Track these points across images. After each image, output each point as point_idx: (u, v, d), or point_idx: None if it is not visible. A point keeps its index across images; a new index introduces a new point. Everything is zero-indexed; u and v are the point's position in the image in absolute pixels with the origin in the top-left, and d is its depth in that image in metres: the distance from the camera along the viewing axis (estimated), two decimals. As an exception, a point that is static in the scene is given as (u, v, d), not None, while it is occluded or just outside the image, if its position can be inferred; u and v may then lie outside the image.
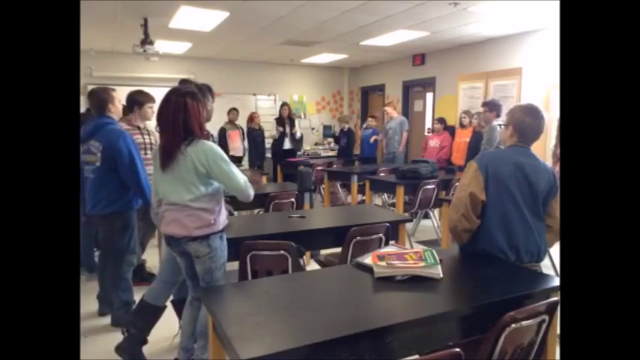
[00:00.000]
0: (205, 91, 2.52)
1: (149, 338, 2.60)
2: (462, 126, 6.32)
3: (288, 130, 7.67)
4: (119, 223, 2.97)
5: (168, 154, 2.09)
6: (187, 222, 2.10)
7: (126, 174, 2.89)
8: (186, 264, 2.25)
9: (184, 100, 2.08)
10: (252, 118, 7.70)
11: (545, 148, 5.73)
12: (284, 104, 7.81)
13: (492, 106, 4.99)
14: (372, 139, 7.57)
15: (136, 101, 3.49)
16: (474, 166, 2.16)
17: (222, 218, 2.22)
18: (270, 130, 8.42)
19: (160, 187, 2.19)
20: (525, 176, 2.10)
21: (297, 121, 8.05)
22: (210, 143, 2.12)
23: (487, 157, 2.21)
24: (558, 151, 4.18)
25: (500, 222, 2.09)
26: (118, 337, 2.80)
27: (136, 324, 2.55)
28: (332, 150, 9.18)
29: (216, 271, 2.18)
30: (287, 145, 7.72)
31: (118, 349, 2.56)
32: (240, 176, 2.12)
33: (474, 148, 5.40)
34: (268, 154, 8.13)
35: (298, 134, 7.85)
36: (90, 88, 8.15)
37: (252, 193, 2.17)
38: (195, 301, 2.36)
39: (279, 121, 7.75)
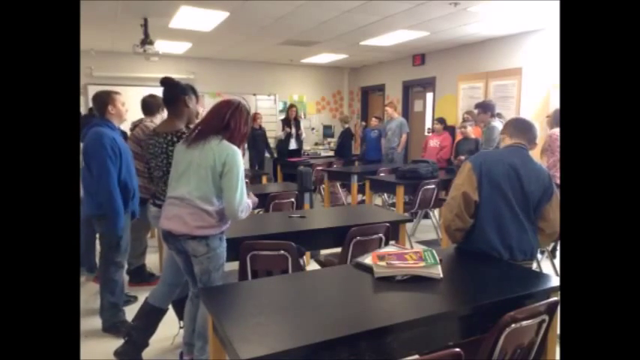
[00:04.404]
0: (188, 90, 2.52)
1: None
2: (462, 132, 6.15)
3: (294, 130, 7.74)
4: (105, 226, 2.90)
5: (200, 133, 2.15)
6: (189, 220, 2.09)
7: (96, 178, 2.79)
8: (183, 262, 2.24)
9: (237, 104, 2.21)
10: (254, 118, 7.73)
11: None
12: (292, 105, 7.90)
13: (486, 107, 5.09)
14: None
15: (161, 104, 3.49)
16: (468, 165, 2.18)
17: (227, 221, 2.21)
18: (270, 130, 8.44)
19: (172, 177, 2.23)
20: (519, 177, 2.12)
21: (301, 123, 8.14)
22: (236, 149, 2.13)
23: (482, 157, 2.24)
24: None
25: (493, 221, 2.11)
26: (118, 337, 2.81)
27: (140, 326, 2.54)
28: (331, 150, 9.19)
29: (213, 273, 2.16)
30: (293, 145, 7.82)
31: (117, 353, 2.55)
32: (240, 194, 2.07)
33: (461, 152, 5.52)
34: (268, 154, 8.16)
35: (303, 135, 7.98)
36: (90, 88, 8.18)
37: (241, 215, 2.09)
38: (195, 297, 2.35)
39: (286, 121, 7.80)
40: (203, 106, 3.88)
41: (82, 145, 2.91)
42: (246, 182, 2.32)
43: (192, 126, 2.49)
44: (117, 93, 3.06)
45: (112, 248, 2.95)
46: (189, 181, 2.11)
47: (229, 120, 2.15)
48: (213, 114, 2.20)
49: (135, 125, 3.94)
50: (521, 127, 2.25)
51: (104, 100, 2.98)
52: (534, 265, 2.29)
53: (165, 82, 2.51)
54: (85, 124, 3.16)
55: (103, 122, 2.94)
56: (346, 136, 8.28)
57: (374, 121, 7.72)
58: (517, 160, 2.15)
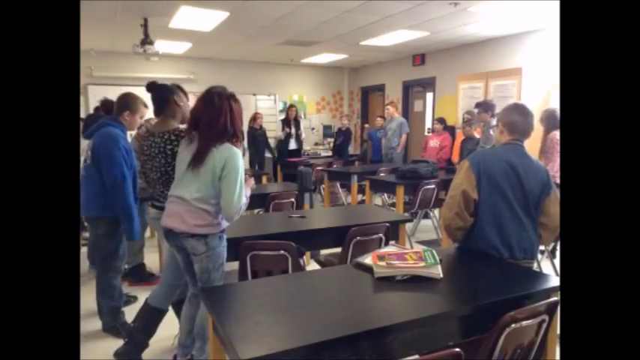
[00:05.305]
0: (176, 90, 2.51)
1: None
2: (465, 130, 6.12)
3: (293, 131, 7.75)
4: (104, 228, 2.86)
5: (200, 156, 2.08)
6: (188, 218, 2.09)
7: (107, 179, 2.76)
8: (183, 259, 2.24)
9: (229, 103, 2.12)
10: (255, 118, 7.73)
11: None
12: (292, 106, 7.92)
13: (486, 107, 5.19)
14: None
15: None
16: (467, 164, 2.18)
17: (226, 222, 2.21)
18: (271, 130, 8.44)
19: (176, 180, 2.20)
20: (517, 174, 2.12)
21: (301, 123, 8.17)
22: (237, 151, 2.11)
23: (480, 155, 2.24)
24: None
25: (492, 220, 2.11)
26: (118, 337, 2.80)
27: (140, 327, 2.54)
28: (330, 150, 9.21)
29: (213, 272, 2.16)
30: (292, 145, 7.84)
31: (118, 354, 2.55)
32: (238, 198, 2.05)
33: (465, 151, 5.56)
34: (268, 154, 8.16)
35: (303, 136, 8.00)
36: (90, 88, 8.16)
37: (235, 217, 2.08)
38: (193, 298, 2.35)
39: (286, 121, 7.81)
40: None
41: (89, 142, 2.89)
42: (249, 176, 2.30)
43: (186, 125, 2.49)
44: (145, 106, 2.98)
45: (110, 254, 2.92)
46: (191, 183, 2.11)
47: (212, 121, 2.09)
48: (199, 127, 2.14)
49: (140, 124, 3.94)
50: (522, 128, 2.22)
51: (127, 103, 2.93)
52: (534, 265, 2.29)
53: (152, 87, 2.50)
54: (92, 122, 3.13)
55: (116, 123, 2.90)
56: (342, 135, 8.31)
57: (379, 121, 7.67)
58: (515, 157, 2.15)
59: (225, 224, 2.20)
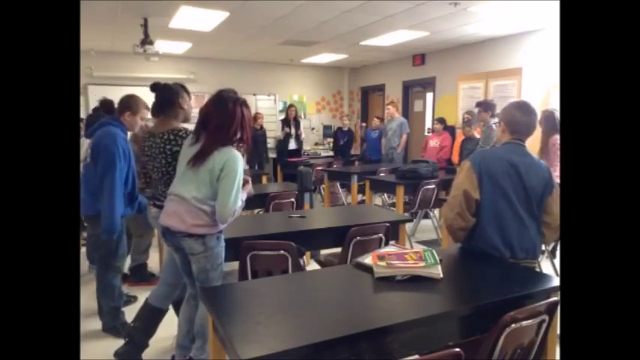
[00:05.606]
0: (181, 91, 2.51)
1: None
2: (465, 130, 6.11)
3: (293, 131, 7.76)
4: (101, 228, 2.83)
5: (202, 156, 2.08)
6: (187, 217, 2.09)
7: (98, 169, 2.75)
8: (181, 259, 2.24)
9: (241, 110, 2.12)
10: (255, 118, 7.73)
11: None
12: (291, 105, 7.93)
13: (487, 106, 5.18)
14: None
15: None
16: (468, 164, 2.18)
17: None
18: (271, 130, 8.43)
19: (177, 178, 2.20)
20: (519, 174, 2.11)
21: (301, 123, 8.19)
22: (237, 154, 2.11)
23: (481, 155, 2.23)
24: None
25: (493, 219, 2.11)
26: (118, 337, 2.80)
27: (140, 327, 2.53)
28: (331, 150, 9.21)
29: (211, 272, 2.15)
30: (292, 145, 7.84)
31: (118, 354, 2.54)
32: (233, 200, 2.05)
33: (465, 151, 5.58)
34: (268, 155, 8.18)
35: (303, 136, 7.99)
36: (90, 88, 8.15)
37: (229, 219, 2.08)
38: (192, 299, 2.35)
39: (286, 122, 7.81)
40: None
41: (90, 141, 2.89)
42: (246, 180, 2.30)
43: (186, 125, 2.48)
44: (147, 108, 2.98)
45: (109, 253, 2.92)
46: (190, 181, 2.11)
47: (222, 125, 2.09)
48: (207, 127, 2.13)
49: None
50: (524, 128, 2.22)
51: (128, 104, 2.94)
52: (536, 265, 2.29)
53: (157, 88, 2.50)
54: (94, 122, 3.14)
55: (117, 122, 2.90)
56: (345, 136, 8.31)
57: (375, 121, 7.70)
58: (516, 157, 2.15)
59: (223, 225, 2.20)
